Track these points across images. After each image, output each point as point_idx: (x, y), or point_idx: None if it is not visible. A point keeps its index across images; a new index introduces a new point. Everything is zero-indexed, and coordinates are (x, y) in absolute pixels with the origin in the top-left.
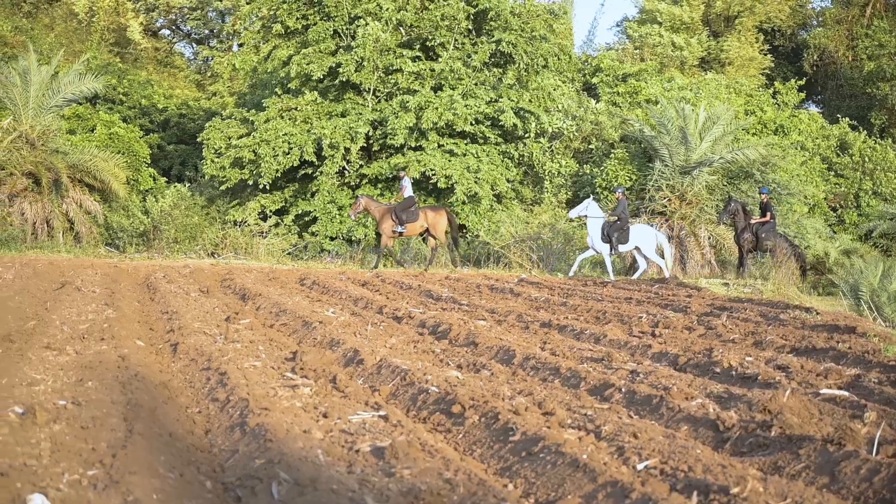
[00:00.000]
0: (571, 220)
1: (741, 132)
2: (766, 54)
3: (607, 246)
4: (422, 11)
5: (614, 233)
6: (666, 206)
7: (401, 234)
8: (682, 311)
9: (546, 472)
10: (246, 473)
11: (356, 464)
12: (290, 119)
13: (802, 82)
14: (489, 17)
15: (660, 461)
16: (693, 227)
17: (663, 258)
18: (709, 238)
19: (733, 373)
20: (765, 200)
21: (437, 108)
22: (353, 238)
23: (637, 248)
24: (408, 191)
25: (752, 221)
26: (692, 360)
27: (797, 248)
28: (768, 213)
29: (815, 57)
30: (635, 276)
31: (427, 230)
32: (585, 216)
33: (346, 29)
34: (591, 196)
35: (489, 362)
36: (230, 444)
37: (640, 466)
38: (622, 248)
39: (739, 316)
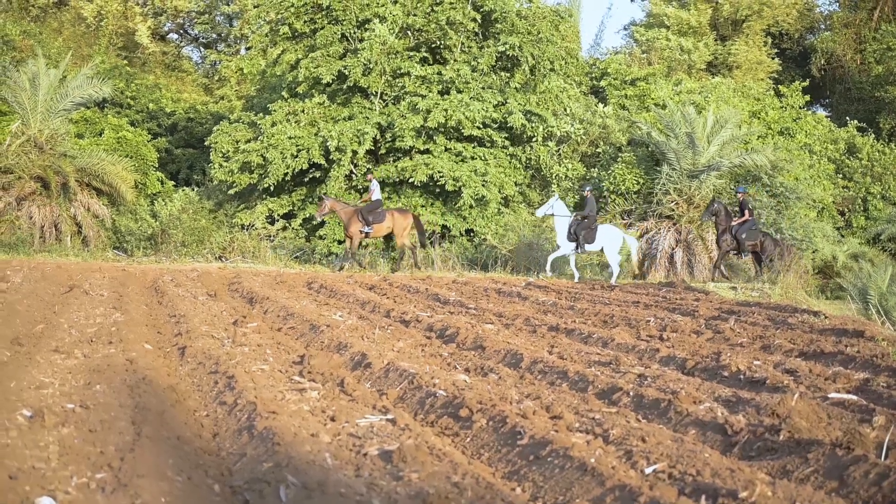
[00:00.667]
0: (538, 218)
1: (750, 135)
2: (773, 58)
3: (573, 244)
4: (429, 14)
5: (581, 231)
6: (673, 210)
7: (367, 234)
8: (690, 315)
9: (554, 475)
10: (254, 477)
11: (364, 467)
12: (296, 122)
13: (806, 83)
14: (495, 19)
15: (668, 465)
16: (700, 231)
17: (629, 260)
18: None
19: (741, 377)
20: (741, 199)
21: (445, 109)
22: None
23: (603, 249)
24: (376, 193)
25: (733, 223)
26: (700, 363)
27: (782, 243)
28: (746, 212)
29: (822, 60)
30: (613, 280)
31: (392, 232)
32: (552, 215)
33: (354, 33)
34: (556, 195)
35: (497, 366)
36: (238, 447)
37: (648, 470)
38: (588, 247)
39: (747, 320)
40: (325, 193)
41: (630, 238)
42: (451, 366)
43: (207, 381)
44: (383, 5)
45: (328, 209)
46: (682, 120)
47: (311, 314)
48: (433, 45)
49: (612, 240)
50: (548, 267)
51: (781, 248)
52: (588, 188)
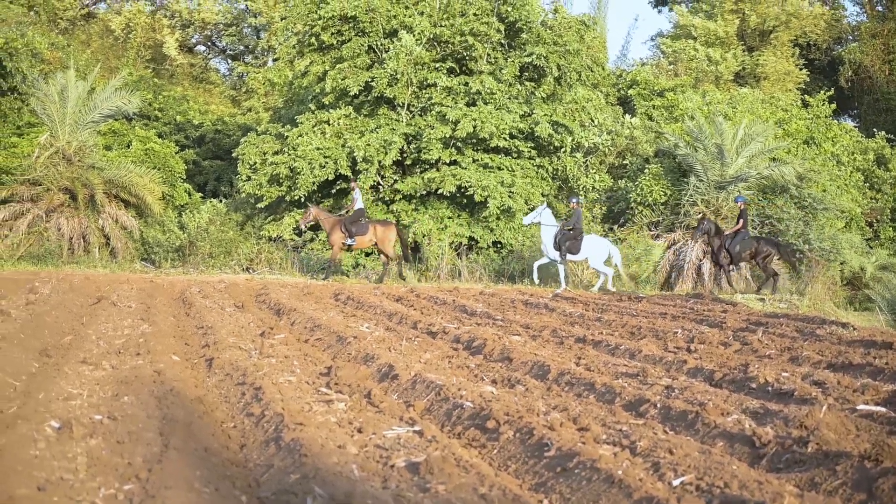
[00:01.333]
0: (526, 226)
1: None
2: (801, 69)
3: (558, 253)
4: (454, 26)
5: (565, 242)
6: (751, 220)
7: (350, 247)
8: (718, 327)
9: (581, 487)
10: (281, 488)
11: (391, 479)
12: (322, 134)
13: (831, 93)
14: (520, 29)
15: (695, 477)
16: (779, 241)
17: (611, 269)
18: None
19: (769, 388)
20: (741, 208)
21: (474, 119)
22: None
23: (588, 259)
24: (358, 203)
25: (726, 233)
26: (728, 375)
27: (782, 245)
28: (740, 221)
29: (850, 71)
30: (596, 287)
31: (376, 244)
32: (539, 223)
33: (381, 44)
34: (544, 204)
35: (524, 377)
36: (265, 458)
37: (675, 482)
38: (572, 257)
39: (775, 331)
40: (310, 202)
41: (614, 248)
42: (478, 377)
43: (235, 393)
44: (410, 16)
45: (312, 218)
46: (712, 131)
47: (338, 326)
48: (459, 57)
49: (598, 250)
50: (534, 275)
51: (783, 249)
52: (576, 199)
